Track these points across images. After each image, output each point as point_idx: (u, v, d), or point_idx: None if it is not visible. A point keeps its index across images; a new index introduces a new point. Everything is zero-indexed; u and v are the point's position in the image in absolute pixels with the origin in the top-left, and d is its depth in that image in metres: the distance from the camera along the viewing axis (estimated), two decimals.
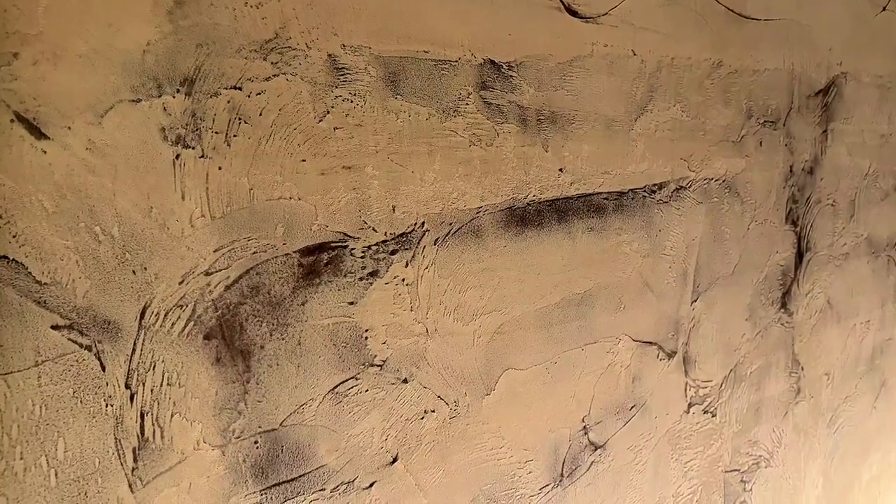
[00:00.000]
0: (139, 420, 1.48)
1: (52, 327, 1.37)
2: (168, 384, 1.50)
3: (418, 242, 1.83)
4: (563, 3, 2.05)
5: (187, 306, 1.52)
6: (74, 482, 1.42)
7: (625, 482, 2.42)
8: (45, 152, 1.34)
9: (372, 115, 1.74)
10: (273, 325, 1.63)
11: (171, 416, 1.51)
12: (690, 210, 2.48)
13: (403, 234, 1.81)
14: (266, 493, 1.65)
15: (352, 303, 1.75)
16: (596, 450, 2.31)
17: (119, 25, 1.41)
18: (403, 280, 1.82)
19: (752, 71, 2.62)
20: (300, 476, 1.70)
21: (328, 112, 1.67)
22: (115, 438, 1.46)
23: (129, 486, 1.48)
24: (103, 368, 1.43)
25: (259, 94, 1.57)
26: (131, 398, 1.46)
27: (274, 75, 1.59)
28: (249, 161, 1.57)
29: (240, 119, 1.55)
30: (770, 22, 2.68)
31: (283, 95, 1.61)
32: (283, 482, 1.68)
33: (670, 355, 2.50)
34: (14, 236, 1.32)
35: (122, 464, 1.47)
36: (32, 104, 1.33)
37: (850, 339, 3.33)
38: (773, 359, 2.91)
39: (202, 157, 1.51)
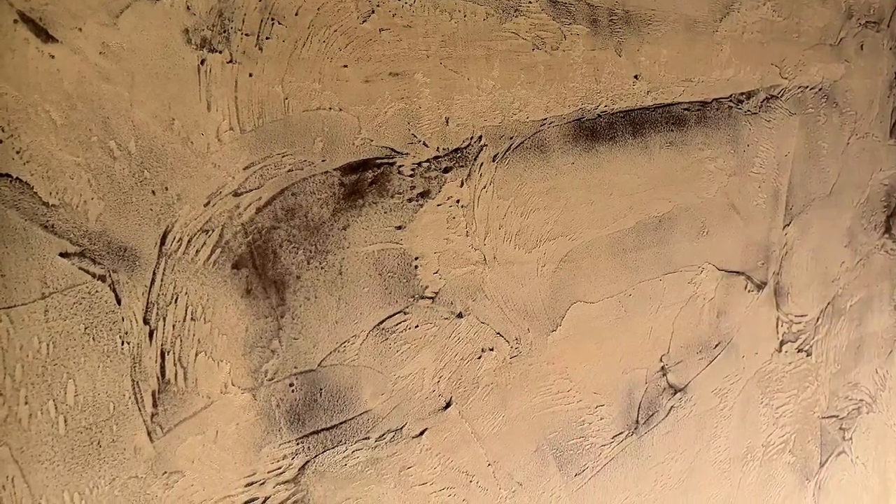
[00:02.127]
0: (159, 360, 1.47)
1: (61, 255, 1.36)
2: (192, 319, 1.49)
3: (475, 159, 1.80)
4: None
5: (214, 231, 1.50)
6: (86, 430, 1.41)
7: (708, 429, 2.40)
8: (52, 57, 1.33)
9: (422, 14, 1.71)
10: (311, 252, 1.62)
11: (196, 355, 1.50)
12: (782, 122, 2.43)
13: (458, 149, 1.78)
14: (303, 442, 1.64)
15: (399, 227, 1.72)
16: (676, 393, 2.29)
17: None
18: (458, 201, 1.79)
19: None
20: (341, 423, 1.69)
21: (373, 11, 1.65)
22: (132, 381, 1.45)
23: (148, 434, 1.47)
24: (119, 301, 1.42)
25: None
26: (150, 335, 1.45)
27: None
28: (284, 67, 1.55)
29: (273, 19, 1.53)
30: None
31: None
32: (322, 430, 1.67)
33: (760, 286, 2.46)
34: (18, 152, 1.30)
35: (139, 409, 1.46)
36: (38, 3, 1.31)
37: None
38: (875, 290, 2.87)
39: (230, 62, 1.49)
